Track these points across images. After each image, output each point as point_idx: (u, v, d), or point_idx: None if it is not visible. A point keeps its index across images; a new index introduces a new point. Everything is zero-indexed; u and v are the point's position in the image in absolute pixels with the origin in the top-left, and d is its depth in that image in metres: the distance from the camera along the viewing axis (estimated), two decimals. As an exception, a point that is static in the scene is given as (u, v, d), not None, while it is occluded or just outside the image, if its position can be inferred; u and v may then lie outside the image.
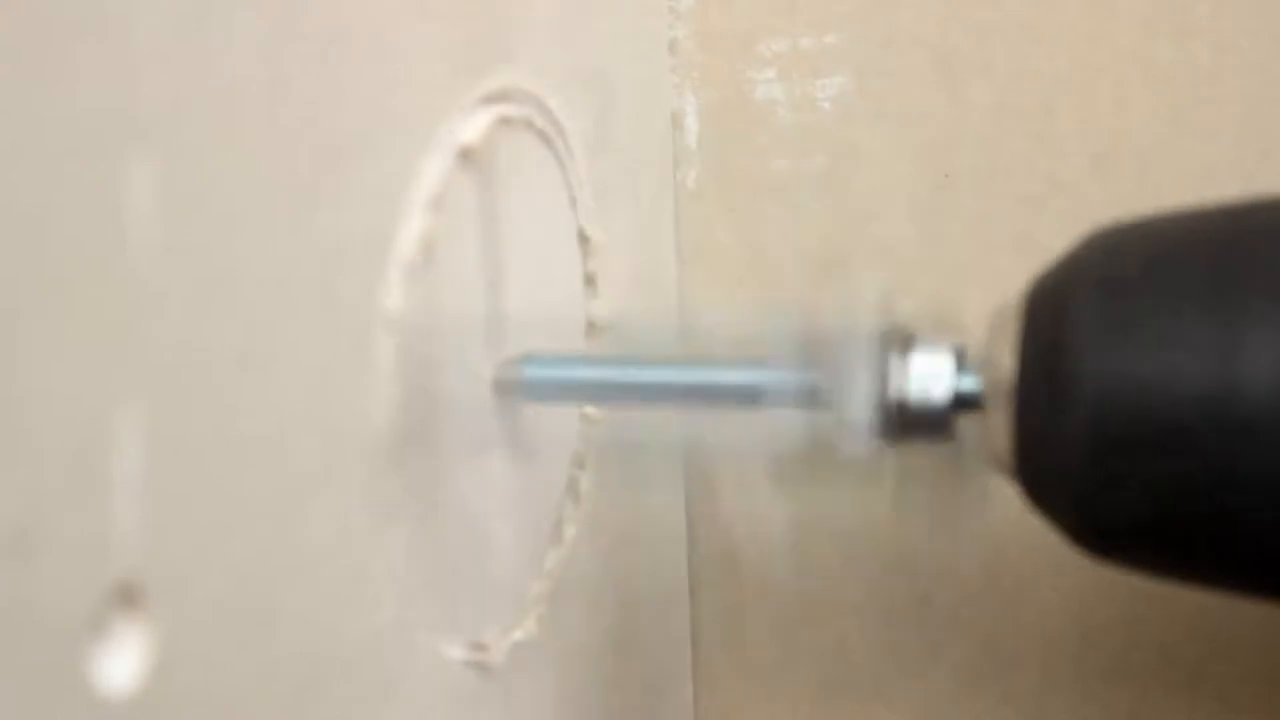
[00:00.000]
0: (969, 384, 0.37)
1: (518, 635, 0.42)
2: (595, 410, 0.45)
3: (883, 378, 0.37)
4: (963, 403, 0.37)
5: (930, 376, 0.37)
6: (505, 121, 0.40)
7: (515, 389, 0.40)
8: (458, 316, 0.39)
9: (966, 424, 0.37)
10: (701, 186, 0.51)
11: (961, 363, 0.37)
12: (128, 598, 0.30)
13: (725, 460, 0.52)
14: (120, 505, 0.29)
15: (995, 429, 0.36)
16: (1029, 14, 0.47)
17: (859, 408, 0.37)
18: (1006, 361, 0.36)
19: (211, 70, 0.31)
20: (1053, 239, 0.48)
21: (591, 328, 0.45)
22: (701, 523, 0.53)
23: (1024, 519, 0.37)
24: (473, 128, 0.39)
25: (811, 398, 0.38)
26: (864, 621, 0.51)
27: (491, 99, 0.40)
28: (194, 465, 0.31)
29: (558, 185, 0.43)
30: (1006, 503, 0.38)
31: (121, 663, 0.30)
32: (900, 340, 0.37)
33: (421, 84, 0.38)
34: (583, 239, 0.44)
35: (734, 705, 0.53)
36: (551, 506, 0.44)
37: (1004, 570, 0.48)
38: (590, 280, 0.45)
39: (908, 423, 0.37)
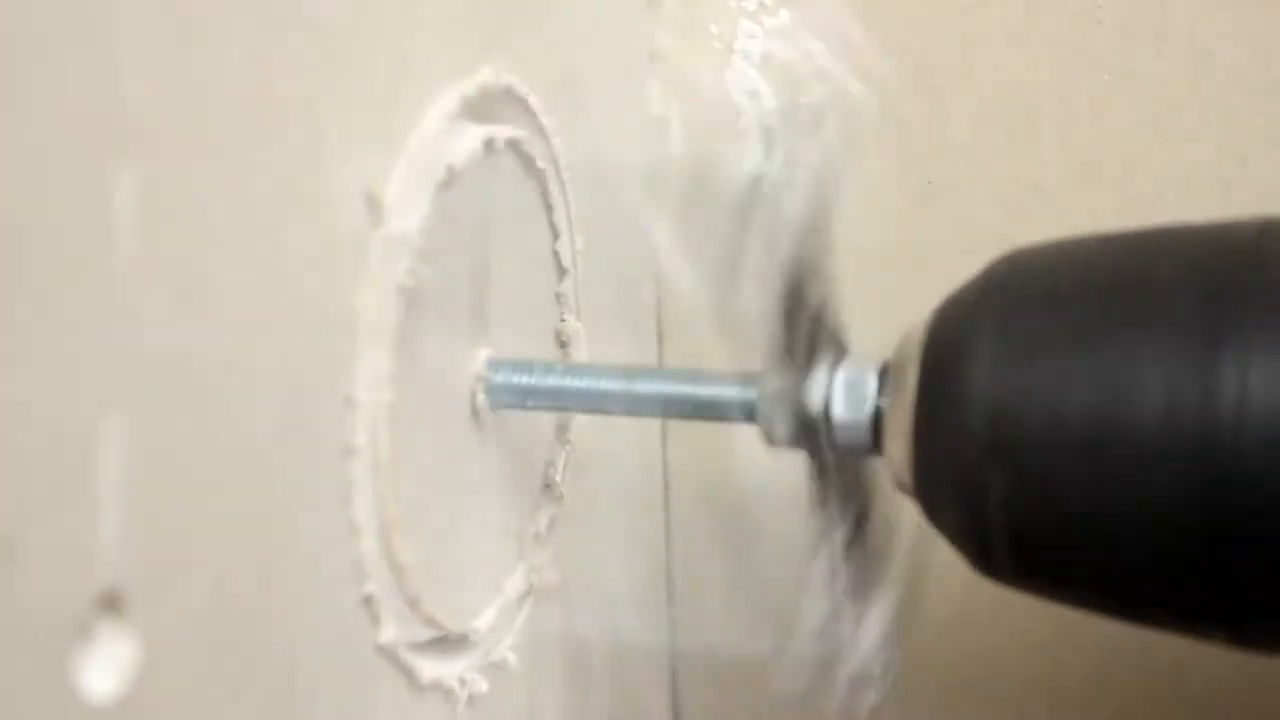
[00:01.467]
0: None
1: (497, 655, 0.42)
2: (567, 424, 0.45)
3: (807, 391, 0.37)
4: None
5: (854, 392, 0.37)
6: (491, 143, 0.40)
7: (490, 394, 0.41)
8: (441, 324, 0.39)
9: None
10: (685, 193, 0.51)
11: (884, 380, 0.38)
12: (111, 604, 0.30)
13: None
14: (104, 512, 0.30)
15: (897, 448, 0.37)
16: (1010, 22, 0.47)
17: (780, 421, 0.38)
18: (910, 383, 0.36)
19: (196, 78, 0.31)
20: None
21: (567, 340, 0.45)
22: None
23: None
24: (459, 149, 0.39)
25: (749, 411, 0.39)
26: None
27: (478, 117, 0.40)
28: (177, 473, 0.31)
29: (539, 201, 0.43)
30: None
31: (105, 668, 0.30)
32: (832, 355, 0.38)
33: (405, 93, 0.38)
34: (561, 253, 0.44)
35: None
36: (532, 515, 0.45)
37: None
38: (567, 293, 0.45)
39: (832, 437, 0.37)
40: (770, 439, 0.38)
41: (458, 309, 0.40)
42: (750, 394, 0.39)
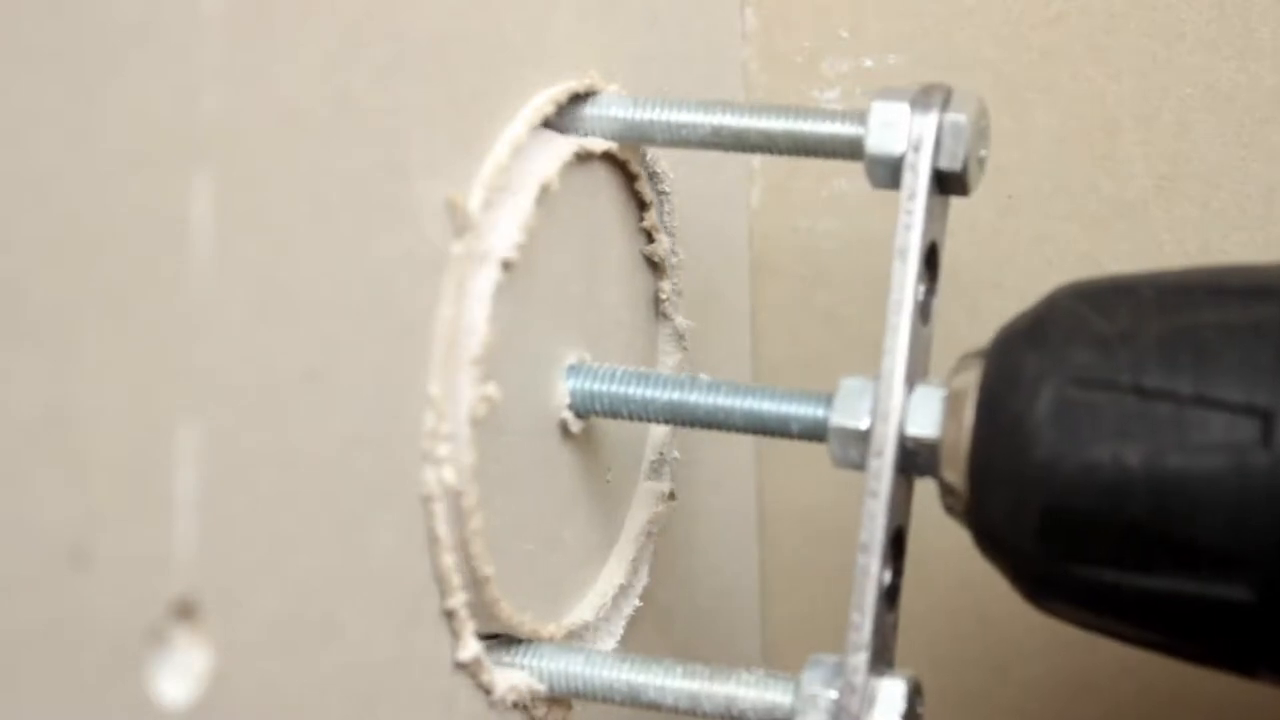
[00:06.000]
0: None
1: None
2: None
3: (884, 414, 0.37)
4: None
5: (923, 416, 0.37)
6: (584, 153, 0.40)
7: (577, 402, 0.41)
8: (532, 332, 0.39)
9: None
10: (765, 205, 0.51)
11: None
12: (186, 612, 0.30)
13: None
14: (179, 521, 0.30)
15: (953, 476, 0.37)
16: (1092, 35, 0.47)
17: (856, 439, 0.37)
18: (967, 417, 0.36)
19: (275, 87, 0.32)
20: (1116, 261, 0.48)
21: (666, 349, 0.45)
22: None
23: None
24: (551, 159, 0.39)
25: (819, 430, 0.38)
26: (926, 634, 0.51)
27: (566, 126, 0.40)
28: (253, 482, 0.32)
29: (633, 206, 0.43)
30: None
31: (179, 676, 0.30)
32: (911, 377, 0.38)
33: (488, 102, 0.38)
34: (658, 260, 0.44)
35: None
36: (620, 524, 0.44)
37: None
38: (665, 301, 0.44)
39: (905, 457, 0.37)
40: (839, 459, 0.38)
41: (548, 317, 0.40)
42: (822, 413, 0.38)
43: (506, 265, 0.37)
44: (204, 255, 0.30)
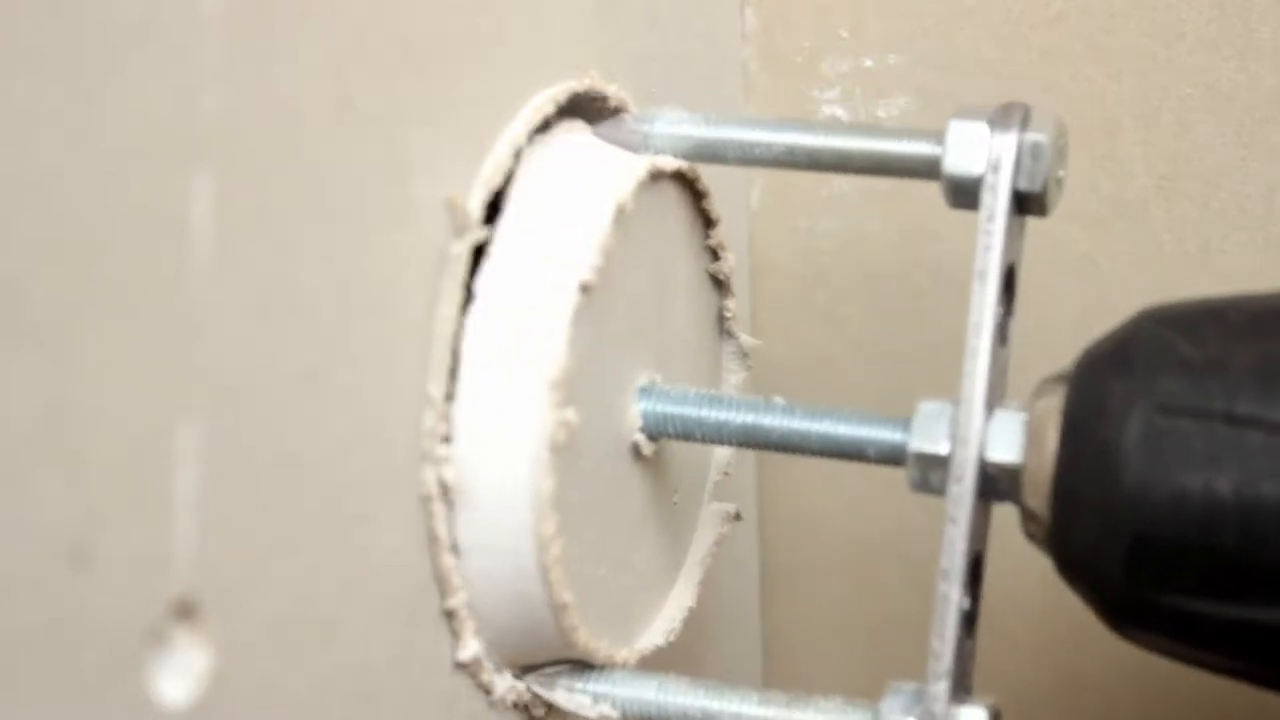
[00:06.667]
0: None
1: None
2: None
3: (964, 439, 0.36)
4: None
5: (1006, 439, 0.36)
6: (655, 175, 0.40)
7: (649, 424, 0.40)
8: (610, 356, 0.39)
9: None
10: (765, 206, 0.51)
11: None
12: (186, 612, 0.30)
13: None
14: (179, 520, 0.30)
15: (1035, 503, 0.36)
16: (1092, 35, 0.47)
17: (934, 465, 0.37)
18: (1050, 443, 0.36)
19: (275, 88, 0.32)
20: (1115, 261, 0.48)
21: (730, 368, 0.44)
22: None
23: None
24: (626, 182, 0.38)
25: (896, 454, 0.38)
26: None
27: (637, 145, 0.40)
28: (253, 482, 0.32)
29: (699, 223, 0.42)
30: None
31: (179, 676, 0.30)
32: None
33: (486, 102, 0.38)
34: (723, 278, 0.43)
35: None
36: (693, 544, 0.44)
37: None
38: (729, 319, 0.44)
39: (985, 483, 0.37)
40: (917, 484, 0.37)
41: (621, 338, 0.39)
42: (900, 437, 0.38)
43: (585, 288, 0.37)
44: (204, 255, 0.30)
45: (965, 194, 0.38)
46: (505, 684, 0.38)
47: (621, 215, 0.38)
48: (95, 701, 0.29)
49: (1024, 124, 0.37)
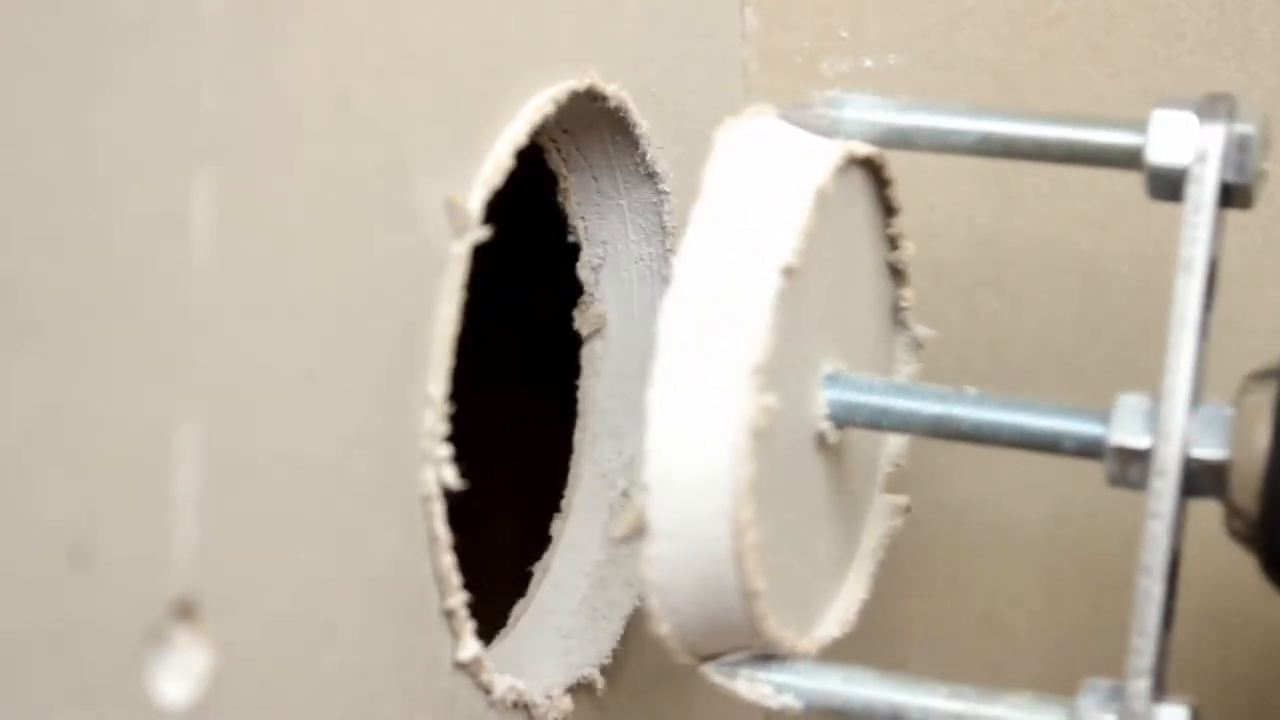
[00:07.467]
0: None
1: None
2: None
3: (1168, 434, 0.36)
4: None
5: (1212, 435, 0.36)
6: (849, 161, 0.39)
7: (835, 412, 0.39)
8: (803, 342, 0.38)
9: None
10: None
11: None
12: (186, 612, 0.30)
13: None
14: (179, 520, 0.30)
15: (1243, 500, 0.35)
16: (1092, 35, 0.47)
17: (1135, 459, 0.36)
18: (1260, 440, 0.35)
19: (275, 88, 0.32)
20: (1116, 261, 0.48)
21: (904, 358, 0.44)
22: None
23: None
24: (824, 167, 0.38)
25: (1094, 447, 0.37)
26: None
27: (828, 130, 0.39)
28: (253, 482, 0.32)
29: (882, 215, 0.42)
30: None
31: (179, 675, 0.30)
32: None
33: (487, 102, 0.38)
34: (901, 267, 0.43)
35: None
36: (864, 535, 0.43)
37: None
38: (905, 309, 0.43)
39: (1188, 478, 0.36)
40: (1115, 478, 0.37)
41: (813, 325, 0.39)
42: (1099, 430, 0.37)
43: (788, 272, 0.36)
44: (204, 255, 0.30)
45: (1168, 185, 0.37)
46: (505, 684, 0.38)
47: (822, 199, 0.37)
48: (95, 701, 0.29)
49: (1231, 115, 0.37)
